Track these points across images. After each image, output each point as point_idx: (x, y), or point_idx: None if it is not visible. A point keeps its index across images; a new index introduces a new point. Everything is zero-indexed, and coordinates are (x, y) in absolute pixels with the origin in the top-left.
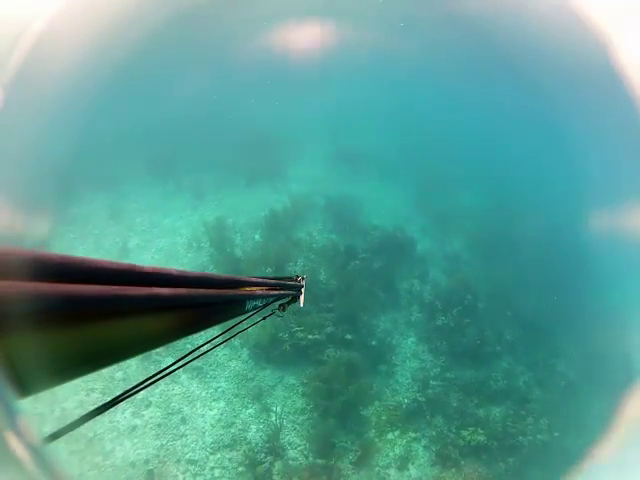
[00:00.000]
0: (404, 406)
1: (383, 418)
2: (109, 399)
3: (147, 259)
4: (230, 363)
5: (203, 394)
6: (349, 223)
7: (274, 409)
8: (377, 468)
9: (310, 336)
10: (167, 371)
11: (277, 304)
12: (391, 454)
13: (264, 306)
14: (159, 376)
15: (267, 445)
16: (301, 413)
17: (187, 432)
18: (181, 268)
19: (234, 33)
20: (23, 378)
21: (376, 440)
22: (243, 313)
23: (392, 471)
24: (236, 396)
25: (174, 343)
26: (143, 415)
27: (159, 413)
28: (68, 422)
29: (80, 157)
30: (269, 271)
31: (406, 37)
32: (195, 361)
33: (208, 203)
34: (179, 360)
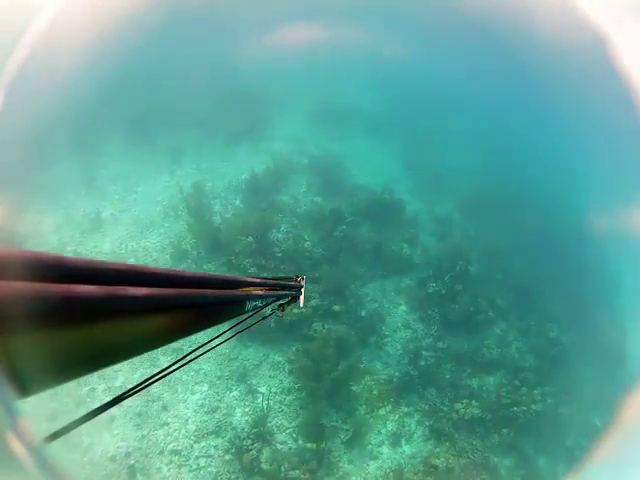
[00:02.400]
0: (395, 380)
1: (374, 393)
2: (108, 399)
3: (121, 231)
4: (212, 342)
5: (184, 377)
6: (335, 184)
7: (260, 390)
8: (369, 446)
9: (295, 310)
10: (167, 371)
11: (277, 304)
12: (383, 431)
13: (264, 306)
14: (159, 376)
15: (254, 430)
16: (288, 393)
17: (169, 420)
18: (179, 268)
19: None
20: (23, 378)
21: (367, 417)
22: (243, 313)
23: (385, 449)
24: (219, 378)
25: (174, 343)
26: (122, 404)
27: (139, 401)
28: (68, 422)
29: (49, 120)
30: (250, 240)
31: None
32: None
33: (185, 167)
34: (179, 360)
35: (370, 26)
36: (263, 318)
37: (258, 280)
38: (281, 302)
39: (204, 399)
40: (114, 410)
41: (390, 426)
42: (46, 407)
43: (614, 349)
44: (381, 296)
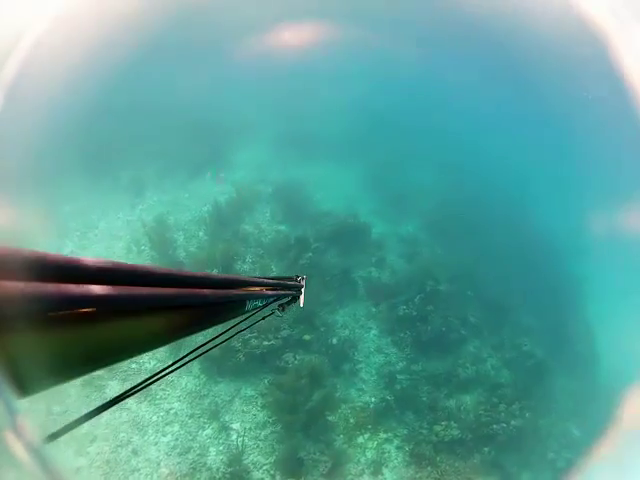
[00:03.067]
0: (372, 406)
1: (351, 421)
2: (108, 399)
3: None
4: (180, 380)
5: (154, 419)
6: (299, 211)
7: (234, 426)
8: (350, 477)
9: (265, 342)
10: (167, 371)
11: (277, 304)
12: (363, 460)
13: (264, 306)
14: (159, 376)
15: (230, 469)
16: (263, 427)
17: (140, 465)
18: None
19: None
20: (23, 378)
21: (346, 447)
22: (243, 313)
23: (366, 478)
24: (191, 417)
25: (173, 343)
26: (88, 452)
27: (107, 447)
28: (68, 422)
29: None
30: (215, 272)
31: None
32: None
33: (147, 200)
34: (179, 360)
35: (329, 50)
36: (263, 318)
37: (258, 280)
38: (281, 302)
39: (176, 440)
40: (80, 459)
41: (369, 454)
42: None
43: (586, 356)
44: (352, 322)
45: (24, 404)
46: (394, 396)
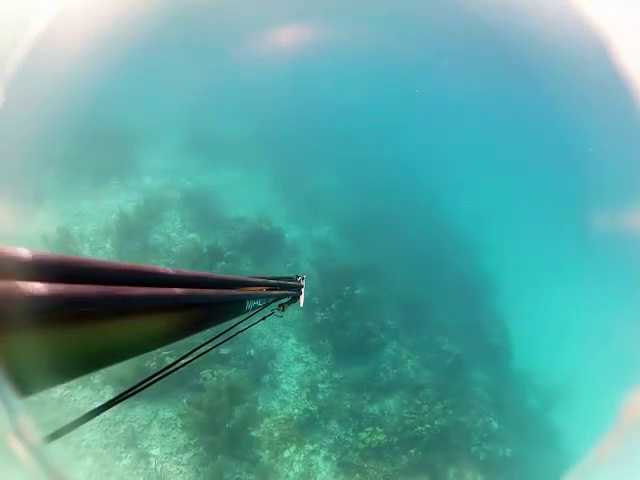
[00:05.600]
0: (295, 418)
1: (275, 435)
2: (108, 399)
3: None
4: (91, 407)
5: (62, 454)
6: (210, 218)
7: (153, 453)
8: None
9: (182, 360)
10: (167, 371)
11: (277, 304)
12: (291, 474)
13: (264, 306)
14: (159, 376)
15: None
16: (185, 451)
17: None
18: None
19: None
20: (23, 378)
21: (272, 462)
22: (243, 313)
23: None
24: (105, 447)
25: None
26: None
27: None
28: (68, 422)
29: None
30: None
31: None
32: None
33: (49, 211)
34: (179, 360)
35: (234, 54)
36: (263, 318)
37: (258, 280)
38: (281, 302)
39: (89, 476)
40: None
41: (297, 467)
42: None
43: (500, 348)
44: (269, 331)
45: (24, 404)
46: (317, 406)
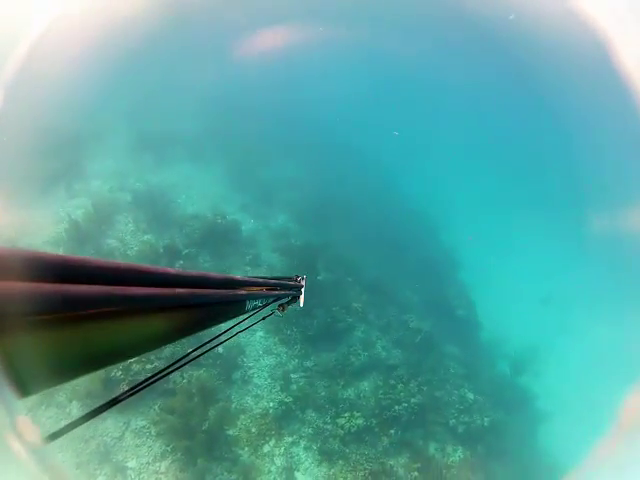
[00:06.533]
0: (271, 411)
1: (253, 431)
2: (108, 399)
3: None
4: (60, 425)
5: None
6: (164, 217)
7: (129, 465)
8: None
9: (149, 365)
10: (167, 371)
11: (277, 304)
12: (273, 468)
13: (264, 306)
14: (159, 376)
15: None
16: (162, 458)
17: None
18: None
19: None
20: (23, 378)
21: (253, 459)
22: (243, 313)
23: None
24: (78, 466)
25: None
26: None
27: None
28: (68, 422)
29: None
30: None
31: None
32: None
33: None
34: (179, 360)
35: (176, 48)
36: (263, 318)
37: (258, 280)
38: (281, 302)
39: None
40: None
41: (279, 461)
42: None
43: (468, 321)
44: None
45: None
46: (292, 396)
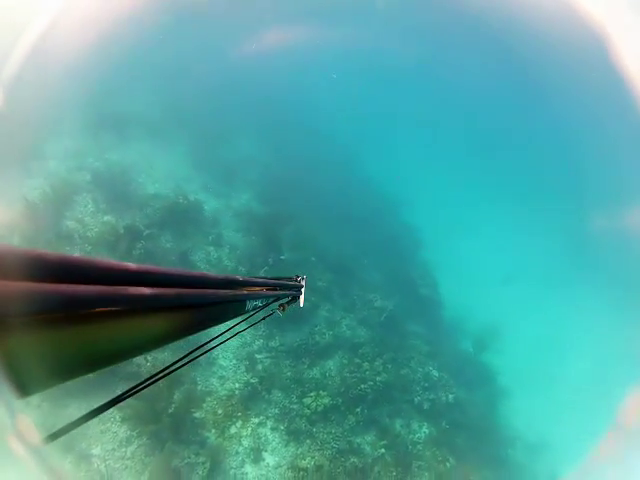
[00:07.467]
0: (237, 392)
1: (219, 413)
2: (108, 399)
3: None
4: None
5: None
6: (124, 197)
7: (94, 452)
8: (232, 471)
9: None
10: (167, 371)
11: (277, 304)
12: (241, 450)
13: (264, 306)
14: (159, 376)
15: None
16: (128, 444)
17: None
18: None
19: None
20: (23, 378)
21: (220, 441)
22: (243, 313)
23: (248, 467)
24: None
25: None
26: None
27: None
28: (68, 422)
29: None
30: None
31: None
32: None
33: None
34: (179, 360)
35: (138, 25)
36: (263, 318)
37: (258, 280)
38: (281, 302)
39: None
40: None
41: (246, 442)
42: None
43: (431, 299)
44: None
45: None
46: (258, 377)
